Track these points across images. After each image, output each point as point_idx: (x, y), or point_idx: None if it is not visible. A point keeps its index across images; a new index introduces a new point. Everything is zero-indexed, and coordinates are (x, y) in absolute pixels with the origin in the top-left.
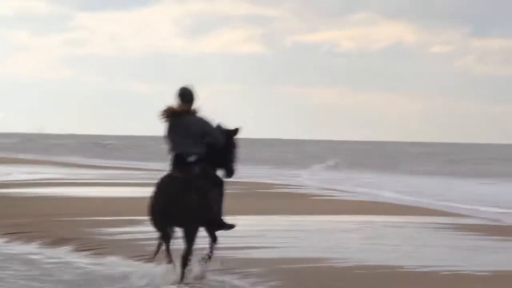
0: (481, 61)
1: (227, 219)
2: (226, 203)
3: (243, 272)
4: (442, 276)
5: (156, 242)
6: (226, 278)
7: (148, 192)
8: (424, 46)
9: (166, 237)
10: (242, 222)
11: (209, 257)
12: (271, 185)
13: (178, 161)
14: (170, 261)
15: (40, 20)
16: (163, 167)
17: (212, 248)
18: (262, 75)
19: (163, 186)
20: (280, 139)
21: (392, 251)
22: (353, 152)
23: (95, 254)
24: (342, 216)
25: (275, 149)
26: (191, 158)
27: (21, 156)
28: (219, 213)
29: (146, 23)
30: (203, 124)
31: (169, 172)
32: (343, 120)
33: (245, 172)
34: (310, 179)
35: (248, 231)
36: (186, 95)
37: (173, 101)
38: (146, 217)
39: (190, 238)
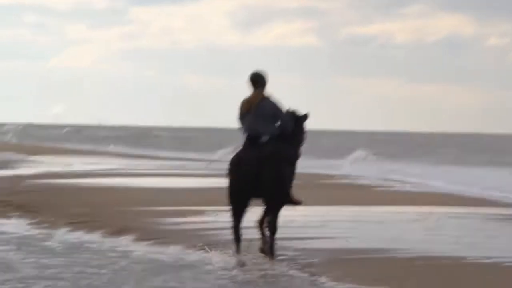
0: None
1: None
2: None
3: (304, 263)
4: (506, 267)
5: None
6: (288, 268)
7: (206, 182)
8: (481, 38)
9: (239, 215)
10: (302, 213)
11: (271, 249)
12: (330, 176)
13: (251, 142)
14: (238, 239)
15: (97, 14)
16: (216, 157)
17: (272, 239)
18: (317, 67)
19: (238, 165)
20: (336, 130)
21: (454, 242)
22: (407, 142)
23: (158, 243)
24: (404, 207)
25: (330, 139)
26: (264, 139)
27: (80, 147)
28: (290, 188)
29: (199, 17)
30: (276, 107)
31: (242, 151)
32: (398, 110)
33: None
34: (367, 170)
35: (309, 222)
36: (259, 80)
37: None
38: (208, 207)
39: (273, 215)
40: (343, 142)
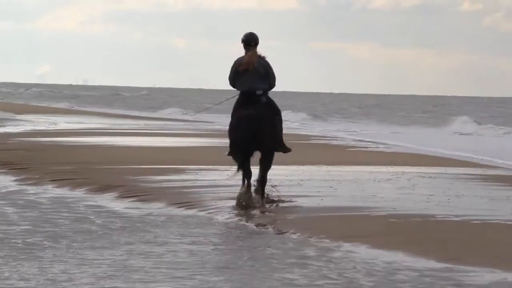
0: (510, 18)
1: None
2: None
3: (279, 220)
4: (473, 225)
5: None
6: (268, 222)
7: (190, 142)
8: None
9: (245, 163)
10: (282, 172)
11: (263, 193)
12: (307, 136)
13: (248, 97)
14: (248, 184)
15: None
16: (203, 118)
17: (263, 186)
18: (297, 31)
19: (242, 118)
20: (313, 93)
21: (425, 201)
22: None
23: (140, 200)
24: (377, 167)
25: (309, 102)
26: (259, 92)
27: (65, 106)
28: (281, 137)
29: None
30: (269, 66)
31: (242, 107)
32: (373, 74)
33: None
34: (345, 132)
35: (285, 180)
36: (252, 40)
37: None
38: (190, 166)
39: (269, 161)
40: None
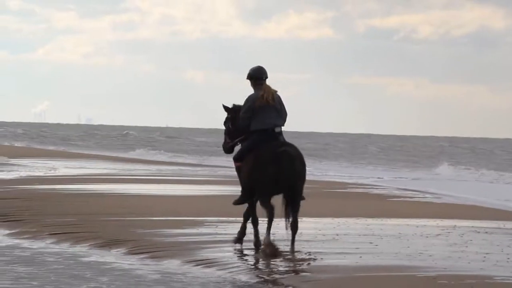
0: None
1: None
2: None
3: (316, 280)
4: None
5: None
6: (298, 284)
7: (206, 190)
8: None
9: (270, 206)
10: (314, 225)
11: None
12: (344, 184)
13: (267, 133)
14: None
15: (89, 0)
16: (219, 163)
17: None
18: (331, 63)
19: (270, 158)
20: (348, 133)
21: (480, 260)
22: (426, 148)
23: (151, 257)
24: (424, 220)
25: (344, 143)
26: (278, 129)
27: (64, 148)
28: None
29: (203, 5)
30: (281, 102)
31: (263, 144)
32: (420, 113)
33: (316, 168)
34: (385, 179)
35: (318, 235)
36: (264, 74)
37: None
38: (208, 218)
39: (299, 204)
40: (357, 146)
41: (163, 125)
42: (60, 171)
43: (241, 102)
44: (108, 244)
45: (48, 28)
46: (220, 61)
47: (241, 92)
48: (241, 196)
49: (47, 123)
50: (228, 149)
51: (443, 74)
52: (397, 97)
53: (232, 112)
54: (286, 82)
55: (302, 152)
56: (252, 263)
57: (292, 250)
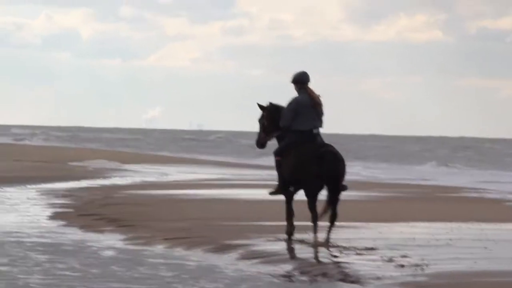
0: None
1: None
2: (410, 208)
3: (431, 286)
4: None
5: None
6: None
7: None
8: None
9: (316, 210)
10: (426, 230)
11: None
12: (457, 189)
13: (308, 134)
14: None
15: (199, 7)
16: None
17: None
18: (442, 65)
19: (314, 156)
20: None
21: None
22: None
23: (264, 262)
24: None
25: (459, 148)
26: (316, 131)
27: (177, 154)
28: None
29: (312, 9)
30: (321, 104)
31: (309, 144)
32: None
33: (431, 172)
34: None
35: (433, 240)
36: (307, 79)
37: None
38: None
39: (339, 199)
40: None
41: None
42: (172, 176)
43: (351, 106)
44: (221, 248)
45: (159, 35)
46: (329, 65)
47: (351, 95)
48: (278, 187)
49: (158, 129)
50: (262, 144)
51: None
52: (510, 99)
53: (267, 111)
54: (397, 85)
55: (437, 157)
56: (360, 268)
57: (328, 239)
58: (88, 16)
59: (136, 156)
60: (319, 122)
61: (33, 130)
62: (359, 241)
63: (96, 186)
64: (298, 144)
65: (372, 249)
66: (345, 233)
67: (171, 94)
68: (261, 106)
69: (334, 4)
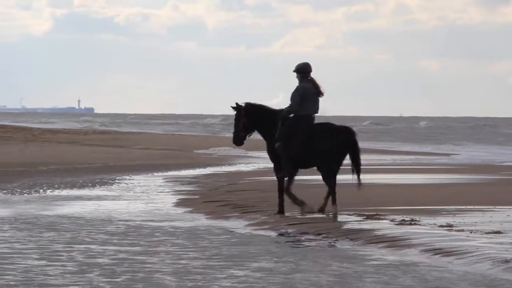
0: None
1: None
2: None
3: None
4: None
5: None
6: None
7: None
8: None
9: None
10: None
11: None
12: None
13: (309, 118)
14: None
15: None
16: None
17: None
18: None
19: (325, 133)
20: None
21: None
22: None
23: (388, 247)
24: None
25: None
26: (313, 115)
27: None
28: None
29: None
30: (323, 93)
31: (307, 126)
32: None
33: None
34: None
35: None
36: (310, 69)
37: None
38: (445, 207)
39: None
40: None
41: (397, 115)
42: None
43: (477, 90)
44: (345, 234)
45: (284, 22)
46: (456, 49)
47: (479, 79)
48: (286, 169)
49: None
50: (240, 139)
51: None
52: None
53: (245, 110)
54: None
55: None
56: (486, 251)
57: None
58: (214, 5)
59: (257, 142)
60: (317, 108)
61: (160, 120)
62: (487, 224)
63: (221, 173)
64: (304, 126)
65: (499, 232)
66: (472, 217)
67: (295, 81)
68: (238, 106)
69: None
